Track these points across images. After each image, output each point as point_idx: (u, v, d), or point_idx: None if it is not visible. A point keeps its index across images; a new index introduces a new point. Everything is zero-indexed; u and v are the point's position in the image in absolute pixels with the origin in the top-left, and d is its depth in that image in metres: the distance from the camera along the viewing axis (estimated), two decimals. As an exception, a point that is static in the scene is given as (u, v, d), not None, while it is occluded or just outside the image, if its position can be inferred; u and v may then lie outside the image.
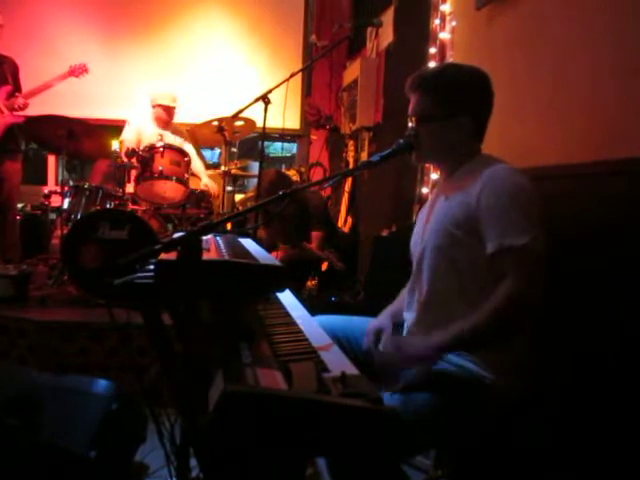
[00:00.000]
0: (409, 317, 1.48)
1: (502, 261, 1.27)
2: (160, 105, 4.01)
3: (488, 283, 1.31)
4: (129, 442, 1.63)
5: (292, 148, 5.62)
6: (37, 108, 3.88)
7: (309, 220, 3.33)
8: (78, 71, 3.99)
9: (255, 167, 4.04)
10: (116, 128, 4.10)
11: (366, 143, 4.03)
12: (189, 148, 3.97)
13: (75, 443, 1.47)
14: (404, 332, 1.51)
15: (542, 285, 1.26)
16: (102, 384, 1.60)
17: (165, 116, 4.03)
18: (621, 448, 1.36)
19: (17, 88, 3.88)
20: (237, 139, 3.70)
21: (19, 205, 4.16)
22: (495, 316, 1.25)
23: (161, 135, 3.89)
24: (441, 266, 1.38)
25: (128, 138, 3.99)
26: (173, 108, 4.05)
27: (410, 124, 1.47)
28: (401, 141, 1.46)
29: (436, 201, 1.49)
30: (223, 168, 3.62)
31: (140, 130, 4.04)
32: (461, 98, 1.40)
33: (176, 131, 4.03)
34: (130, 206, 3.53)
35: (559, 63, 1.74)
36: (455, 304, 1.36)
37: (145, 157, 3.46)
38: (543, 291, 1.27)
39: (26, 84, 3.99)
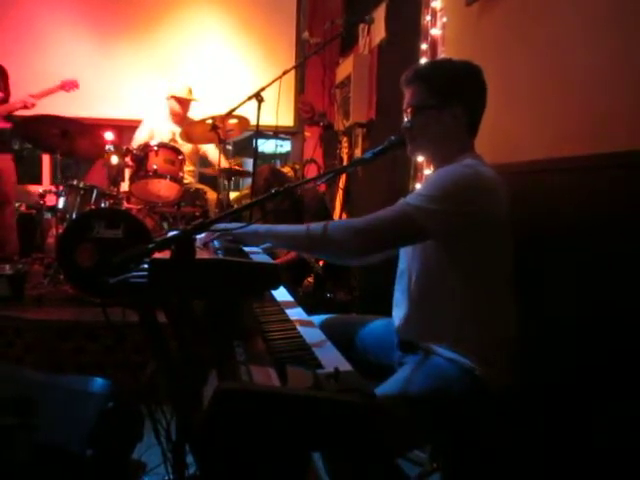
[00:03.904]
0: (399, 314, 1.49)
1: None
2: (174, 97, 4.01)
3: (476, 279, 1.34)
4: (126, 440, 1.63)
5: (286, 145, 5.61)
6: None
7: (303, 215, 3.33)
8: (69, 86, 4.04)
9: (249, 165, 4.04)
10: (109, 127, 4.09)
11: (360, 139, 4.02)
12: (208, 146, 3.99)
13: (72, 442, 1.47)
14: (395, 328, 1.53)
15: (392, 240, 1.37)
16: (98, 383, 1.60)
17: (179, 109, 4.02)
18: (611, 441, 1.38)
19: (6, 96, 3.90)
20: (231, 137, 3.69)
21: (15, 204, 4.19)
22: (335, 229, 1.34)
23: (174, 133, 3.89)
24: (429, 265, 1.40)
25: (140, 137, 3.99)
26: (188, 101, 4.04)
27: (405, 118, 1.48)
28: (393, 137, 1.47)
29: None
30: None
31: (154, 129, 4.04)
32: (455, 88, 1.42)
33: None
34: (125, 205, 3.53)
35: (550, 57, 1.75)
36: (444, 301, 1.37)
37: (139, 156, 3.46)
38: (369, 251, 1.41)
39: (18, 84, 3.99)
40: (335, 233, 1.34)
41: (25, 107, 3.83)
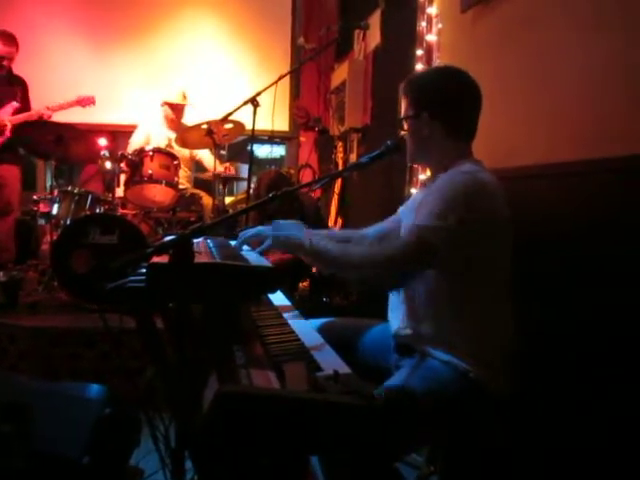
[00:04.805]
0: (396, 317, 1.49)
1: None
2: (167, 103, 4.02)
3: (472, 283, 1.34)
4: (123, 446, 1.63)
5: (279, 149, 5.63)
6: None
7: (304, 221, 3.34)
8: (85, 102, 3.99)
9: (244, 170, 4.05)
10: (104, 132, 4.09)
11: (355, 144, 4.04)
12: (204, 152, 4.01)
13: (68, 448, 1.46)
14: (392, 332, 1.53)
15: (411, 268, 1.37)
16: (94, 389, 1.59)
17: (173, 115, 4.02)
18: (609, 442, 1.39)
19: (26, 107, 3.89)
20: (226, 142, 3.70)
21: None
22: (358, 259, 1.37)
23: (170, 139, 3.89)
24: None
25: (136, 142, 3.99)
26: (182, 106, 4.05)
27: None
28: (389, 142, 1.49)
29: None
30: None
31: (149, 134, 4.04)
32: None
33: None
34: (120, 210, 3.52)
35: (544, 63, 1.77)
36: (440, 304, 1.38)
37: (134, 161, 3.46)
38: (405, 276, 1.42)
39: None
40: (368, 270, 1.37)
41: (41, 119, 3.81)
